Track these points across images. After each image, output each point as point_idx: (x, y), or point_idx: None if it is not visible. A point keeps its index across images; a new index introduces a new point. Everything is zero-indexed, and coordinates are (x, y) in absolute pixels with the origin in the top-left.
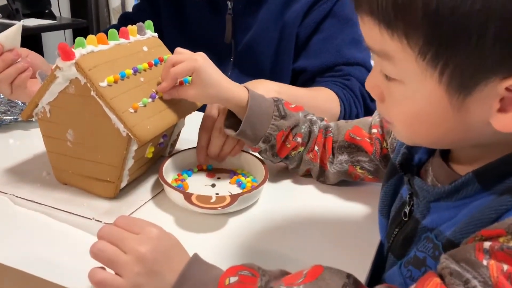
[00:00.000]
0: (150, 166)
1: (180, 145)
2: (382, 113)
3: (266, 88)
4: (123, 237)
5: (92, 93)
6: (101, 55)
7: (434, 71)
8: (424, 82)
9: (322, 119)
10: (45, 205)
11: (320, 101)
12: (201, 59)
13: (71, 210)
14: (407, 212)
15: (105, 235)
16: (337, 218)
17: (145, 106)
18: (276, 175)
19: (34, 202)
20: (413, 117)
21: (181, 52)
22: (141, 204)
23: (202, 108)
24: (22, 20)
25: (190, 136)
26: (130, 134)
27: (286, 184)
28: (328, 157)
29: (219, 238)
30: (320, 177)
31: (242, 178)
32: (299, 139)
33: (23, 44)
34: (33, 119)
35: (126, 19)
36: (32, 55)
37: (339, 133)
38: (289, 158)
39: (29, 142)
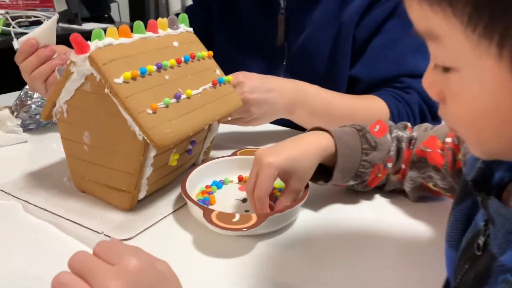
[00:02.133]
0: (178, 175)
1: (215, 153)
2: (444, 118)
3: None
4: (94, 268)
5: (106, 90)
6: (121, 48)
7: (490, 44)
8: (479, 62)
9: (406, 127)
10: (55, 214)
11: (365, 116)
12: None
13: (82, 222)
14: (481, 244)
15: (74, 265)
16: (391, 246)
17: (167, 107)
18: (318, 191)
19: (46, 210)
20: (475, 113)
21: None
22: (158, 219)
23: None
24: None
25: (225, 143)
26: (146, 138)
27: (329, 201)
28: (406, 173)
29: (241, 265)
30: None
31: (278, 194)
32: (389, 165)
33: None
34: (53, 120)
35: None
36: (70, 53)
37: (415, 145)
38: (378, 183)
39: (61, 145)
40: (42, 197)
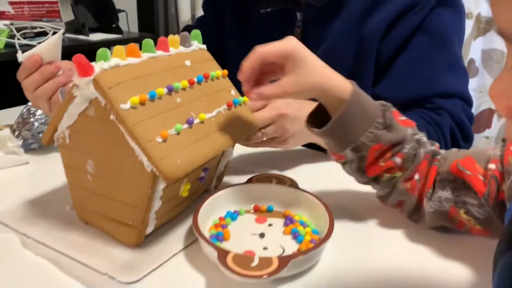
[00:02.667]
0: (188, 205)
1: (229, 178)
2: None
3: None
4: None
5: (112, 117)
6: (128, 70)
7: None
8: None
9: (432, 143)
10: (55, 250)
11: None
12: (295, 42)
13: (84, 259)
14: None
15: None
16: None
17: (178, 134)
18: (345, 216)
19: (45, 245)
20: None
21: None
22: (168, 257)
23: None
24: (89, 35)
25: (240, 165)
26: (155, 170)
27: (356, 240)
28: (427, 191)
29: None
30: (413, 215)
31: (300, 228)
32: (398, 160)
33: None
34: (55, 145)
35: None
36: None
37: (445, 162)
38: (379, 181)
39: None
40: (42, 229)
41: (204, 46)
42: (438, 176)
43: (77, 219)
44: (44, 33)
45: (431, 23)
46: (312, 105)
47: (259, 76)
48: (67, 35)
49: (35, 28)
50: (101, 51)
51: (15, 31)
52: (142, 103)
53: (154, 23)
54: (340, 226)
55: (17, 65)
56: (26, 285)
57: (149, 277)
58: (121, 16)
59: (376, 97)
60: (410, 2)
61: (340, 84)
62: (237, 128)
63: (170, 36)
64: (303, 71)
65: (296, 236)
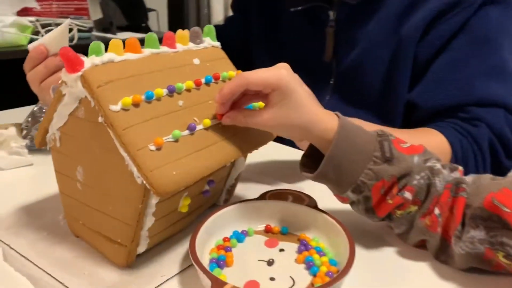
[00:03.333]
0: (192, 221)
1: (241, 191)
2: None
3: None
4: None
5: (100, 119)
6: (124, 66)
7: None
8: None
9: (454, 168)
10: (37, 266)
11: None
12: (285, 73)
13: (65, 280)
14: None
15: None
16: None
17: (176, 141)
18: (368, 242)
19: (27, 259)
20: None
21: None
22: (159, 283)
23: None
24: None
25: (255, 176)
26: (145, 182)
27: (385, 261)
28: (455, 228)
29: None
30: (440, 256)
31: (316, 256)
32: (407, 195)
33: None
34: (47, 148)
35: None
36: None
37: (478, 194)
38: (393, 219)
39: None
40: (28, 241)
41: (218, 44)
42: (469, 210)
43: (68, 231)
44: (70, 30)
45: (476, 24)
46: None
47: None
48: (95, 33)
49: (59, 25)
50: (94, 44)
51: (39, 28)
52: (136, 105)
53: (184, 23)
54: (362, 254)
55: None
56: None
57: None
58: (151, 15)
59: (409, 103)
60: (452, 0)
61: (326, 122)
62: (249, 137)
63: (179, 31)
64: (287, 107)
65: (310, 266)
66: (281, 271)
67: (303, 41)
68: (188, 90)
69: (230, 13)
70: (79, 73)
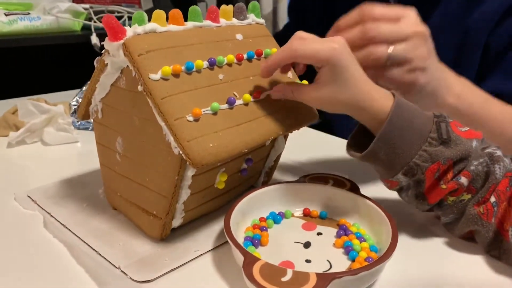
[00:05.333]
0: (230, 200)
1: (279, 174)
2: None
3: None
4: None
5: (140, 87)
6: (166, 37)
7: None
8: None
9: None
10: (74, 234)
11: None
12: (339, 46)
13: (100, 249)
14: None
15: None
16: None
17: (214, 114)
18: (411, 229)
19: (66, 227)
20: None
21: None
22: (192, 257)
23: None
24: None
25: (294, 163)
26: (181, 152)
27: (428, 249)
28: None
29: None
30: (492, 250)
31: (355, 241)
32: (463, 180)
33: None
34: (91, 120)
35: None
36: None
37: None
38: (442, 206)
39: None
40: (68, 210)
41: (263, 21)
42: None
43: (107, 203)
44: (119, 18)
45: None
46: None
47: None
48: None
49: (112, 12)
50: (137, 14)
51: (92, 14)
52: (176, 75)
53: None
54: (405, 242)
55: (91, 47)
56: (35, 266)
57: (166, 277)
58: (201, 6)
59: (489, 92)
60: None
61: (380, 102)
62: (292, 115)
63: (223, 6)
64: (338, 85)
65: (349, 250)
66: (317, 254)
67: None
68: (229, 64)
69: (279, 5)
70: (121, 42)
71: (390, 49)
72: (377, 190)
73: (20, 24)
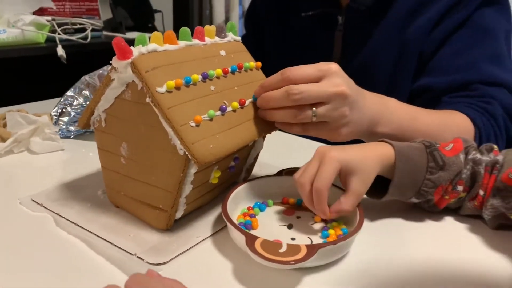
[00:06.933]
0: (217, 194)
1: (259, 170)
2: None
3: (391, 109)
4: None
5: (148, 99)
6: (165, 56)
7: None
8: None
9: (490, 149)
10: (87, 230)
11: (450, 133)
12: (345, 82)
13: (114, 240)
14: None
15: None
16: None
17: (211, 120)
18: (376, 212)
19: (77, 225)
20: None
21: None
22: (195, 242)
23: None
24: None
25: (270, 161)
26: (187, 153)
27: (389, 232)
28: (486, 200)
29: None
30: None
31: (328, 223)
32: (459, 188)
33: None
34: (91, 129)
35: None
36: None
37: (501, 170)
38: (448, 205)
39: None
40: (75, 210)
41: (239, 38)
42: (494, 184)
43: (108, 203)
44: (83, 29)
45: (476, 19)
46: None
47: None
48: (105, 32)
49: (75, 24)
50: (140, 36)
51: (56, 27)
52: (178, 88)
53: (188, 24)
54: (371, 222)
55: (56, 59)
56: (58, 261)
57: (177, 260)
58: (157, 16)
59: (418, 89)
60: (454, 1)
61: (383, 153)
62: (269, 120)
63: (207, 27)
64: (361, 167)
65: (325, 229)
66: (299, 233)
67: (313, 44)
68: (218, 77)
69: (231, 15)
70: (129, 60)
71: (313, 111)
72: None
73: None
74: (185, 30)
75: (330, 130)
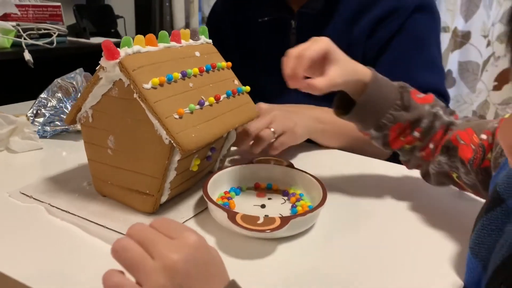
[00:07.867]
0: (196, 181)
1: (231, 161)
2: None
3: (306, 115)
4: (154, 239)
5: (135, 95)
6: (148, 56)
7: None
8: None
9: (452, 112)
10: (79, 216)
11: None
12: (326, 39)
13: (105, 223)
14: None
15: (134, 234)
16: (411, 248)
17: (191, 113)
18: (338, 192)
19: (69, 213)
20: None
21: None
22: (181, 222)
23: None
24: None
25: (240, 153)
26: (172, 142)
27: (349, 206)
28: (435, 156)
29: (264, 266)
30: (426, 176)
31: (296, 201)
32: (416, 134)
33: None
34: (77, 125)
35: None
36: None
37: (453, 133)
38: (402, 150)
39: (76, 152)
40: (64, 200)
41: (210, 41)
42: (444, 143)
43: (95, 193)
44: (48, 35)
45: (409, 27)
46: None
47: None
48: (69, 38)
49: (40, 29)
50: (125, 39)
51: (21, 32)
52: (161, 85)
53: (150, 29)
54: (334, 200)
55: (23, 63)
56: (55, 245)
57: None
58: (119, 22)
59: None
60: (390, 8)
61: (363, 70)
62: (240, 114)
63: (182, 30)
64: (343, 62)
65: (293, 207)
66: (272, 211)
67: (270, 48)
68: (195, 75)
69: (191, 21)
70: (117, 60)
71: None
72: (307, 169)
73: None
74: (163, 33)
75: (290, 134)
